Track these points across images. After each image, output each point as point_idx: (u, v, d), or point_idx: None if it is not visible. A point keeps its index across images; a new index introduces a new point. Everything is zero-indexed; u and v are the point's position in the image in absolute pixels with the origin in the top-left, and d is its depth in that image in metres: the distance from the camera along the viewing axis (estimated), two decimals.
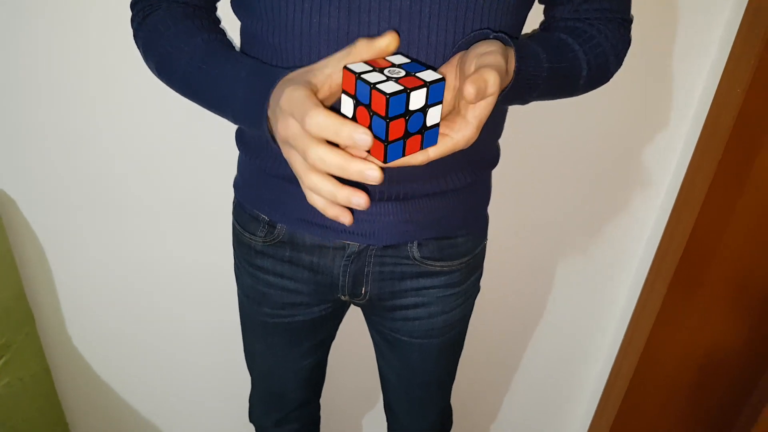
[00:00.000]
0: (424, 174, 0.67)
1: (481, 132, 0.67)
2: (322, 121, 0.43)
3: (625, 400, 1.26)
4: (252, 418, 1.02)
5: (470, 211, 0.76)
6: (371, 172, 0.43)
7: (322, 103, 0.46)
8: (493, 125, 0.72)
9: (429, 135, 0.49)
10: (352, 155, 0.44)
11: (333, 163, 0.43)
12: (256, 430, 1.04)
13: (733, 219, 1.04)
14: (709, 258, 1.08)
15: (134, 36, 0.68)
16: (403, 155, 0.48)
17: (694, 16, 0.94)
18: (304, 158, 0.45)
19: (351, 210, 0.67)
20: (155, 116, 0.99)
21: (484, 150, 0.73)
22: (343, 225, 0.69)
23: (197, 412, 1.37)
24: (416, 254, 0.73)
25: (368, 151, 0.48)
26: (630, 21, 0.69)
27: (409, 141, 0.47)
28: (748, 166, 0.99)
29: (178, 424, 1.39)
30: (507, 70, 0.51)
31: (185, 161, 1.03)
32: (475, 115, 0.49)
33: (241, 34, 0.69)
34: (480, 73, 0.46)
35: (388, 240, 0.71)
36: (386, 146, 0.46)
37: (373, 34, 0.57)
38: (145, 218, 1.09)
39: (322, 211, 0.48)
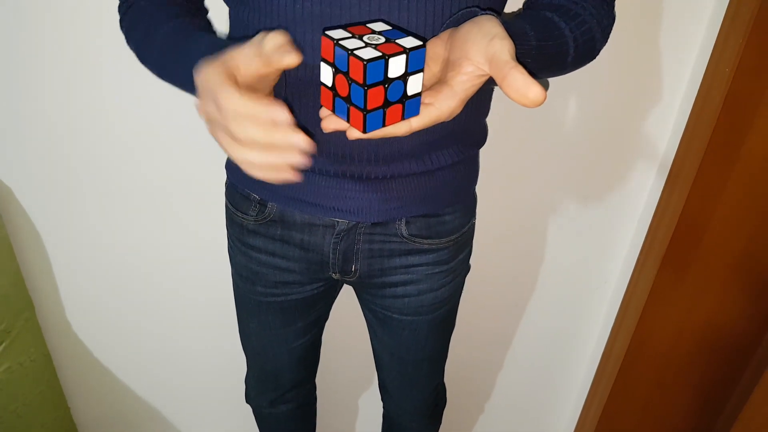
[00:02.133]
0: (411, 152, 0.68)
1: (467, 108, 0.68)
2: (238, 105, 0.41)
3: (618, 378, 1.27)
4: (248, 399, 1.04)
5: (458, 189, 0.76)
6: (298, 140, 0.41)
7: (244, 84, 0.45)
8: (480, 103, 0.73)
9: (410, 104, 0.47)
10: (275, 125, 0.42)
11: (258, 136, 0.41)
12: (252, 411, 1.06)
13: (724, 196, 1.05)
14: (700, 236, 1.09)
15: (120, 22, 0.69)
16: (384, 125, 0.46)
17: None
18: (231, 136, 0.43)
19: (340, 190, 0.68)
20: (148, 102, 0.99)
21: (471, 128, 0.74)
22: (332, 202, 0.70)
23: (196, 395, 1.39)
24: (404, 232, 0.74)
25: (348, 121, 0.47)
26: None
27: (390, 110, 0.46)
28: (738, 145, 1.00)
29: (177, 406, 1.41)
30: None
31: (179, 146, 1.04)
32: (464, 88, 0.48)
33: (229, 21, 0.70)
34: (514, 71, 0.44)
35: (375, 217, 0.72)
36: (365, 115, 0.44)
37: (354, 18, 0.58)
38: (141, 203, 1.10)
39: (267, 180, 0.46)
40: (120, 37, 0.89)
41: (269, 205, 0.74)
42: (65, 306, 1.22)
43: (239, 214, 0.78)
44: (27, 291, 1.15)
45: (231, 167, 0.79)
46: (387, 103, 0.45)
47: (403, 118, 0.47)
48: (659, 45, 0.99)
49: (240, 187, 0.77)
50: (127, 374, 1.34)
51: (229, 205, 0.80)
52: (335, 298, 0.92)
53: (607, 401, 1.31)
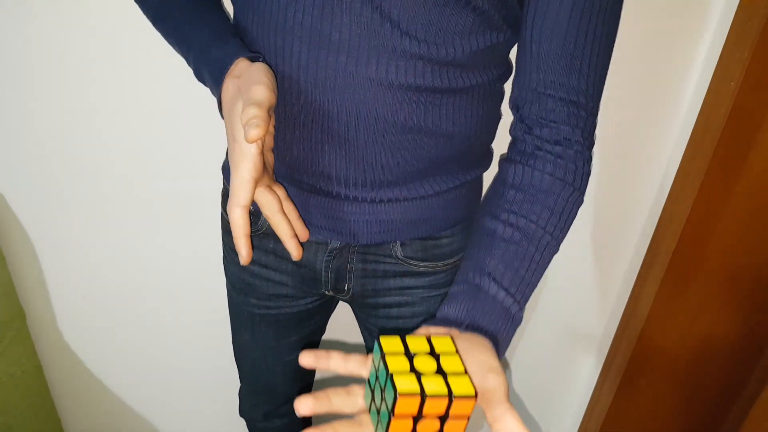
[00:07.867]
0: (400, 180, 0.66)
1: (470, 131, 0.66)
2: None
3: (618, 391, 1.26)
4: (242, 412, 1.02)
5: (456, 213, 0.73)
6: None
7: None
8: (484, 128, 0.69)
9: None
10: None
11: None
12: (246, 424, 1.04)
13: (727, 212, 1.04)
14: (702, 251, 1.08)
15: None
16: None
17: (686, 8, 0.93)
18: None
19: (330, 209, 0.67)
20: (142, 109, 0.98)
21: (472, 153, 0.70)
22: (322, 221, 0.69)
23: (188, 407, 1.37)
24: (399, 253, 0.72)
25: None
26: (591, 143, 0.64)
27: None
28: (741, 160, 0.98)
29: (169, 418, 1.39)
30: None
31: (174, 154, 1.03)
32: None
33: (233, 19, 0.69)
34: (507, 415, 0.44)
35: (367, 239, 0.70)
36: None
37: (344, 35, 0.56)
38: (135, 212, 1.09)
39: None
40: (112, 43, 0.89)
41: (262, 217, 0.73)
42: (57, 316, 1.21)
43: None
44: (18, 300, 1.14)
45: (228, 175, 0.77)
46: None
47: None
48: (663, 58, 0.97)
49: None
50: (119, 386, 1.33)
51: (225, 214, 0.79)
52: (331, 312, 0.91)
53: (608, 413, 1.30)
